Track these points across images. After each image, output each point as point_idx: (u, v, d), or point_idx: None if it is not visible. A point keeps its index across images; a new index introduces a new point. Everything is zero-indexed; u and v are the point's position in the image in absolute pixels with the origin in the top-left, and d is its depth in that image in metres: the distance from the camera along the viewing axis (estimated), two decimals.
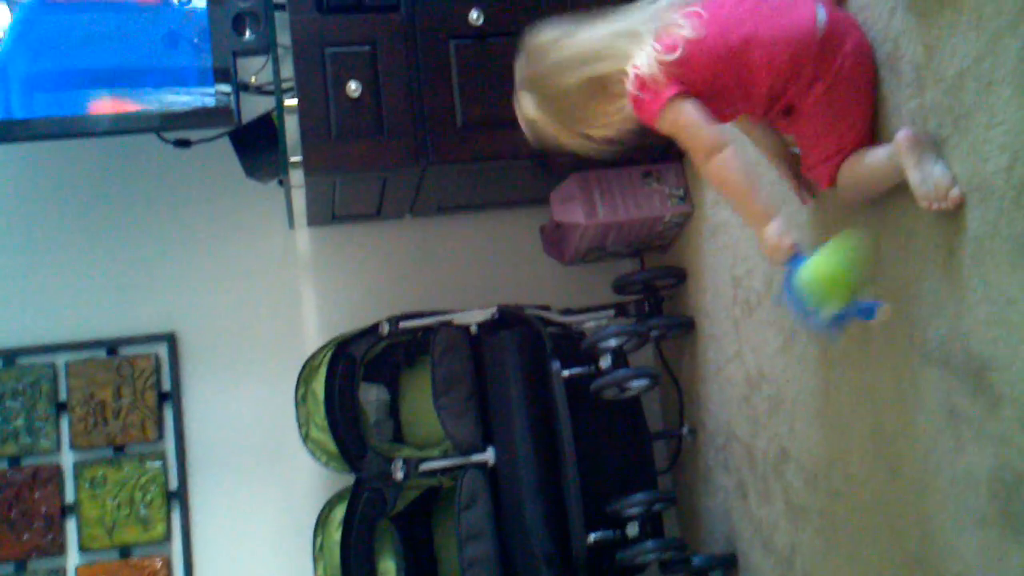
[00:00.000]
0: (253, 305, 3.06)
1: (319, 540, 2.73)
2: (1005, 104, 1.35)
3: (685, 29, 1.62)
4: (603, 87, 1.66)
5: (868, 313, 1.52)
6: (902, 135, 1.51)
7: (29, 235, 2.99)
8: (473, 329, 2.75)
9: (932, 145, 1.50)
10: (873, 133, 1.67)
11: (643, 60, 1.61)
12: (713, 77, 1.62)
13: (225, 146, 2.84)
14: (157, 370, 2.98)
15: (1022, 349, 1.36)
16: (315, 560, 2.71)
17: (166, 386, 2.98)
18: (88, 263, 3.00)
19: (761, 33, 1.60)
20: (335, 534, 2.67)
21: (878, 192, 1.64)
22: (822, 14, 1.60)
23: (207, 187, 3.04)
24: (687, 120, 1.61)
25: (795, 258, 1.55)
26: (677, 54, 1.60)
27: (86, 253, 3.00)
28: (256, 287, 3.07)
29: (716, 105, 1.65)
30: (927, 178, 1.49)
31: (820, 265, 1.51)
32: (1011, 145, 1.35)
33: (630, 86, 1.63)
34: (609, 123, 1.68)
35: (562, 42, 1.67)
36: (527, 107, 1.72)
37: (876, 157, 1.61)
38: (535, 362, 2.64)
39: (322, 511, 2.75)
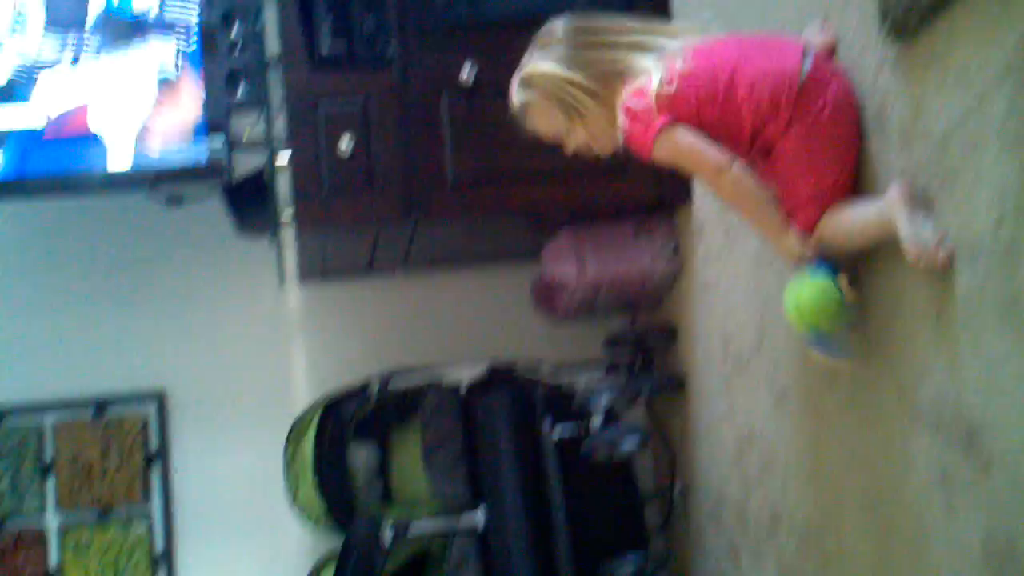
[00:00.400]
0: (243, 363, 3.05)
1: None
2: (991, 163, 1.34)
3: (679, 63, 1.66)
4: (615, 82, 1.71)
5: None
6: (895, 189, 1.51)
7: (17, 293, 2.99)
8: (463, 388, 2.73)
9: (922, 202, 1.49)
10: (854, 185, 1.66)
11: (635, 93, 1.67)
12: (700, 113, 1.65)
13: (215, 205, 2.84)
14: (145, 430, 2.96)
15: (1013, 412, 1.34)
16: None
17: (154, 446, 2.95)
18: (77, 321, 2.99)
19: (745, 69, 1.63)
20: None
21: (860, 245, 1.62)
22: (808, 62, 1.62)
23: (197, 246, 3.04)
24: (687, 144, 1.65)
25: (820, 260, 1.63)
26: (674, 87, 1.64)
27: (75, 311, 2.99)
28: (246, 345, 3.06)
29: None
30: (918, 234, 1.47)
31: (812, 292, 1.63)
32: (998, 205, 1.34)
33: (620, 119, 1.68)
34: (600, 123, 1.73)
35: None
36: (526, 91, 1.79)
37: (864, 210, 1.60)
38: (526, 422, 2.61)
39: (310, 574, 2.71)
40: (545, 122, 1.78)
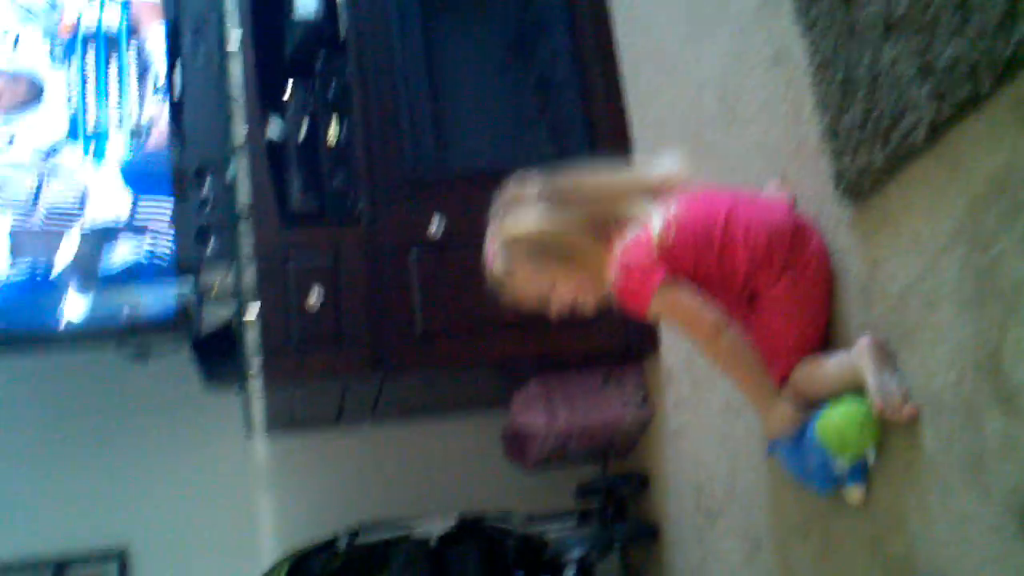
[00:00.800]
0: (208, 518, 2.99)
1: None
2: (948, 322, 1.38)
3: (672, 209, 1.65)
4: (603, 233, 1.68)
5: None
6: (865, 341, 1.54)
7: None
8: (433, 541, 2.68)
9: (890, 356, 1.52)
10: (825, 339, 1.69)
11: (629, 246, 1.64)
12: (697, 261, 1.65)
13: (182, 358, 2.83)
14: None
15: (983, 568, 1.34)
16: None
17: None
18: (36, 477, 2.93)
19: (739, 214, 1.64)
20: None
21: (826, 396, 1.63)
22: (791, 215, 1.67)
23: (162, 398, 3.01)
24: (685, 303, 1.64)
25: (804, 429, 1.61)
26: (672, 235, 1.63)
27: (34, 467, 2.93)
28: (211, 499, 3.00)
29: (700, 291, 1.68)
30: (885, 386, 1.50)
31: (849, 413, 1.55)
32: (957, 362, 1.36)
33: (614, 276, 1.64)
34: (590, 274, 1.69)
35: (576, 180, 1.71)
36: (509, 253, 1.72)
37: (833, 362, 1.62)
38: (499, 573, 2.56)
39: None
40: (530, 284, 1.72)
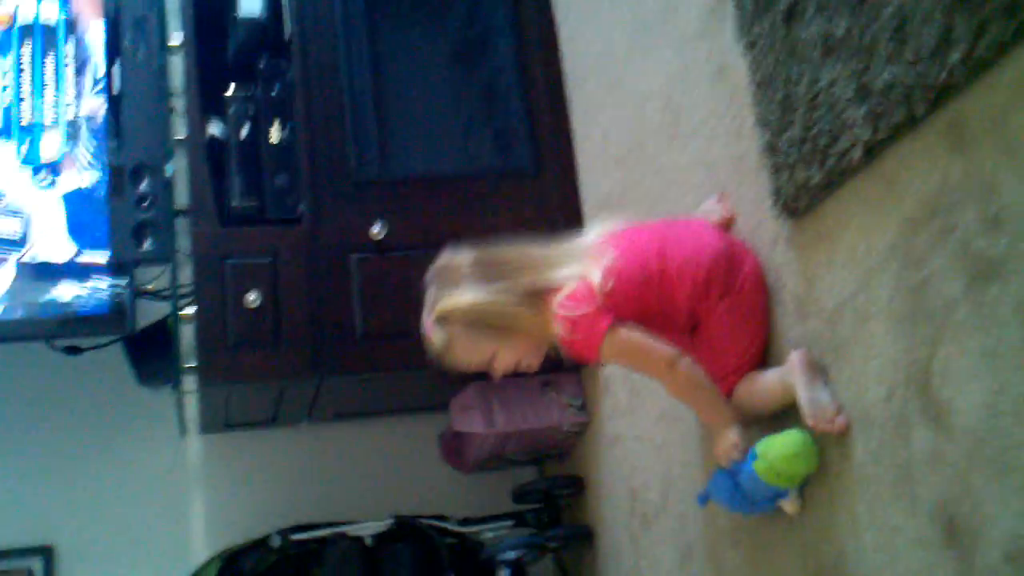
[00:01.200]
0: (138, 516, 2.95)
1: None
2: (880, 338, 1.42)
3: (606, 259, 1.68)
4: (538, 298, 1.69)
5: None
6: (795, 356, 1.58)
7: None
8: (368, 541, 2.68)
9: (821, 370, 1.56)
10: (764, 355, 1.72)
11: (568, 301, 1.65)
12: (639, 303, 1.67)
13: (115, 352, 2.79)
14: None
15: None
16: None
17: None
18: None
19: (672, 252, 1.68)
20: None
21: (767, 411, 1.68)
22: (724, 239, 1.71)
23: (94, 394, 2.97)
24: (635, 342, 1.65)
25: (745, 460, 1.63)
26: (611, 284, 1.65)
27: None
28: (142, 497, 2.97)
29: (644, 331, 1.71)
30: (815, 399, 1.54)
31: (784, 447, 1.57)
32: (888, 378, 1.40)
33: (559, 329, 1.66)
34: (531, 337, 1.71)
35: (502, 254, 1.72)
36: (446, 327, 1.71)
37: (769, 377, 1.66)
38: (432, 575, 2.57)
39: None
40: (470, 354, 1.72)
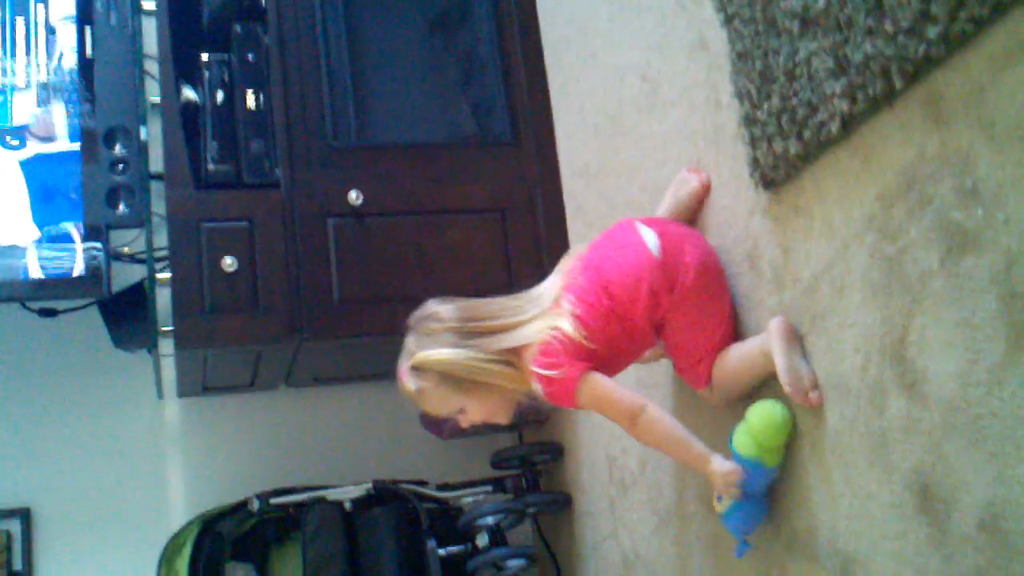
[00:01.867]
0: (116, 479, 2.95)
1: None
2: (856, 308, 1.43)
3: (571, 308, 1.70)
4: (512, 355, 1.71)
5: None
6: (774, 322, 1.60)
7: None
8: (347, 505, 2.69)
9: (798, 339, 1.58)
10: (736, 329, 1.75)
11: (541, 356, 1.67)
12: (607, 336, 1.69)
13: (92, 314, 2.78)
14: (8, 549, 2.82)
15: (883, 544, 1.41)
16: None
17: (18, 566, 2.81)
18: None
19: (612, 282, 1.71)
20: None
21: (748, 385, 1.69)
22: (652, 237, 1.71)
23: (71, 356, 2.95)
24: (602, 391, 1.67)
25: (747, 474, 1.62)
26: (583, 333, 1.67)
27: None
28: (120, 460, 2.97)
29: (618, 362, 1.75)
30: (793, 367, 1.56)
31: (765, 413, 1.59)
32: (863, 347, 1.42)
33: (536, 384, 1.68)
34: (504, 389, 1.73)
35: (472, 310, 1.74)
36: (419, 378, 1.74)
37: (746, 347, 1.68)
38: (411, 540, 2.59)
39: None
40: (440, 406, 1.77)
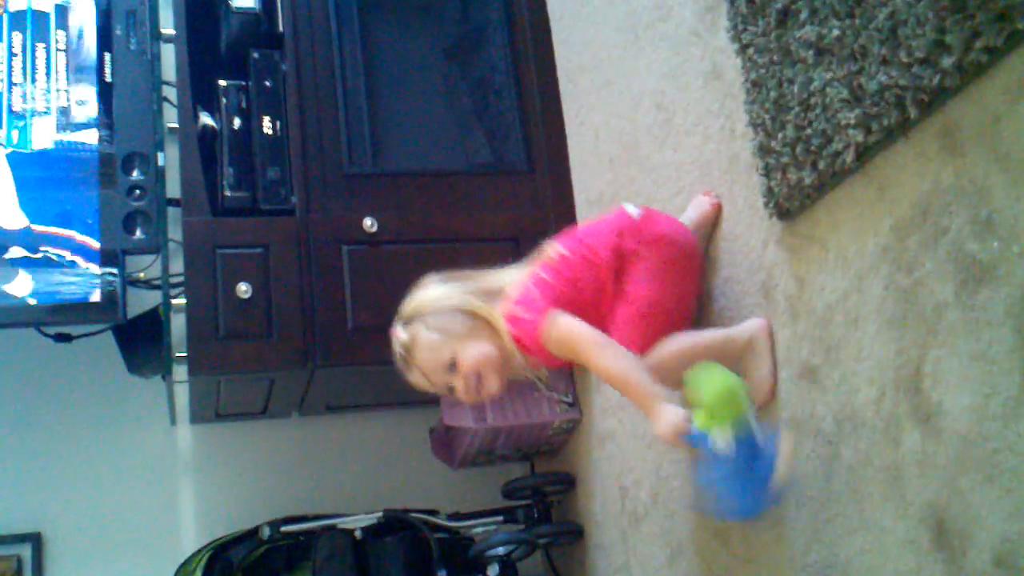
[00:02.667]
0: (127, 504, 2.95)
1: None
2: (871, 340, 1.42)
3: (547, 255, 1.78)
4: (495, 299, 1.76)
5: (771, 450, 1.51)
6: (761, 322, 1.67)
7: None
8: (358, 534, 2.68)
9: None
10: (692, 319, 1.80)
11: (515, 303, 1.73)
12: (576, 288, 1.74)
13: (107, 340, 2.78)
14: (19, 573, 2.82)
15: None
16: None
17: None
18: None
19: (585, 235, 1.81)
20: None
21: (686, 366, 1.61)
22: (634, 208, 1.80)
23: (85, 381, 2.96)
24: (568, 324, 1.68)
25: (692, 433, 1.53)
26: (550, 276, 1.74)
27: None
28: (132, 486, 2.96)
29: (587, 313, 1.73)
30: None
31: (711, 383, 1.52)
32: (878, 379, 1.41)
33: (509, 329, 1.72)
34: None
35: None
36: (410, 327, 1.78)
37: (707, 333, 1.73)
38: (421, 570, 2.57)
39: None
40: (432, 357, 1.74)
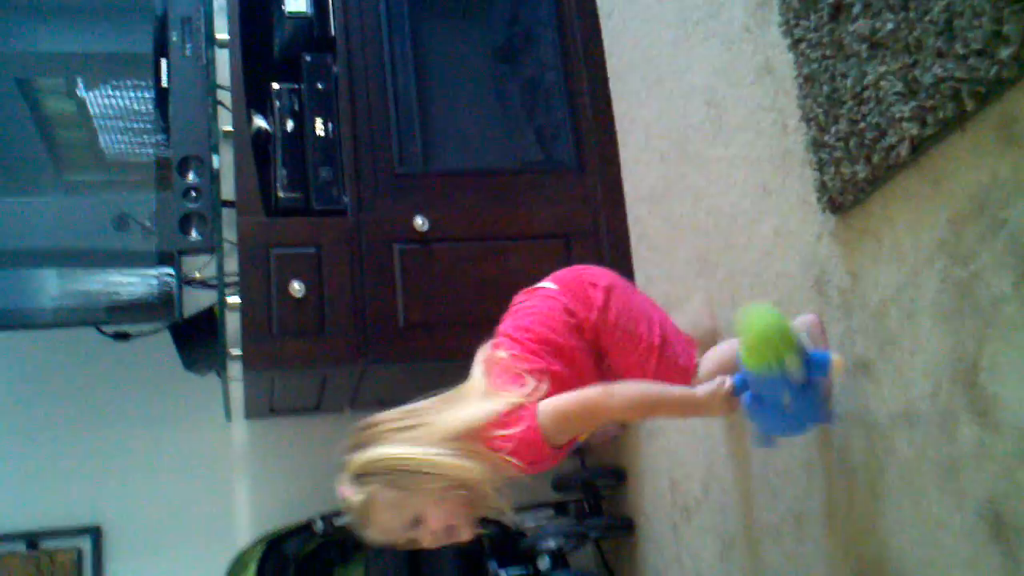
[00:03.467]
0: (184, 498, 3.00)
1: None
2: (927, 334, 1.42)
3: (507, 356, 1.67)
4: (468, 440, 1.55)
5: (823, 366, 1.52)
6: (815, 319, 1.65)
7: None
8: None
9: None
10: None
11: (499, 426, 1.54)
12: (557, 378, 1.63)
13: (164, 338, 2.84)
14: (79, 564, 2.88)
15: (953, 573, 1.38)
16: None
17: None
18: (11, 452, 2.93)
19: (529, 321, 1.71)
20: None
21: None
22: (546, 283, 1.78)
23: (143, 378, 3.02)
24: (557, 404, 1.55)
25: (740, 389, 1.54)
26: (544, 388, 1.59)
27: (10, 441, 2.94)
28: (188, 480, 3.02)
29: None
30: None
31: (754, 324, 1.51)
32: (933, 373, 1.41)
33: (507, 454, 1.54)
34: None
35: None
36: (364, 485, 1.55)
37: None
38: (472, 562, 2.59)
39: None
40: (394, 516, 1.53)
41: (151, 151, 2.74)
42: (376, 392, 2.81)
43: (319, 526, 2.71)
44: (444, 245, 2.57)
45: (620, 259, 2.61)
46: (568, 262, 2.61)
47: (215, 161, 2.67)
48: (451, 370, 2.66)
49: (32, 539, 2.87)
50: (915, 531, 1.46)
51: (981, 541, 1.33)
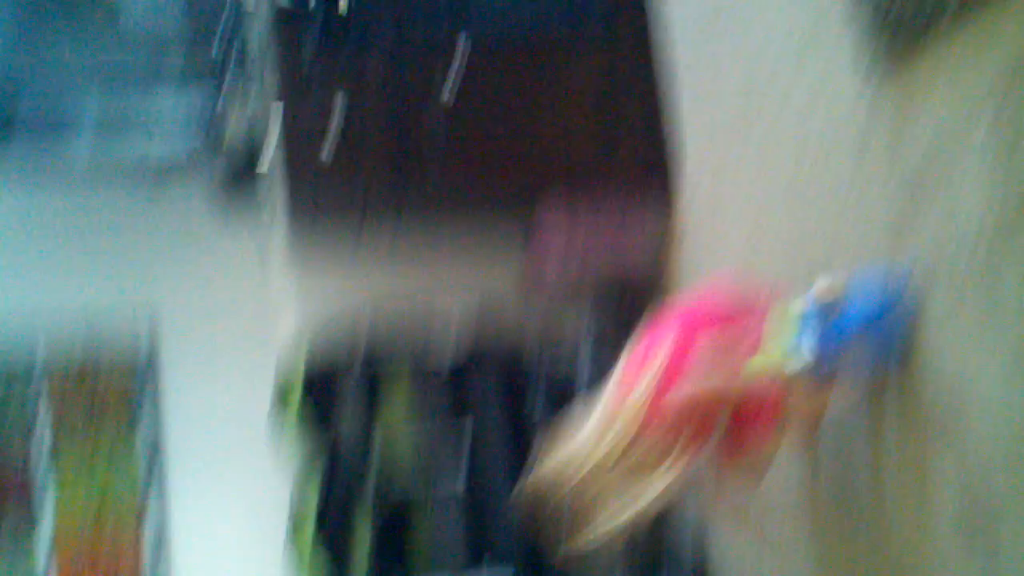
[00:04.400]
0: (234, 296, 3.17)
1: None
2: (968, 191, 1.39)
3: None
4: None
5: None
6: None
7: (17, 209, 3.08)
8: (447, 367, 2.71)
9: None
10: None
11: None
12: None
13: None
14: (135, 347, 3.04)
15: None
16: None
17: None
18: (74, 241, 3.11)
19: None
20: None
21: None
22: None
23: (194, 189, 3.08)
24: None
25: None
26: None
27: (73, 233, 3.10)
28: (239, 282, 3.15)
29: None
30: None
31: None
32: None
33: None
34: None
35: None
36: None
37: None
38: (516, 397, 2.67)
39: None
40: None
41: None
42: (420, 213, 2.76)
43: (357, 369, 2.70)
44: (487, 67, 2.52)
45: None
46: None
47: None
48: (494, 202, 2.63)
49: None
50: None
51: None
